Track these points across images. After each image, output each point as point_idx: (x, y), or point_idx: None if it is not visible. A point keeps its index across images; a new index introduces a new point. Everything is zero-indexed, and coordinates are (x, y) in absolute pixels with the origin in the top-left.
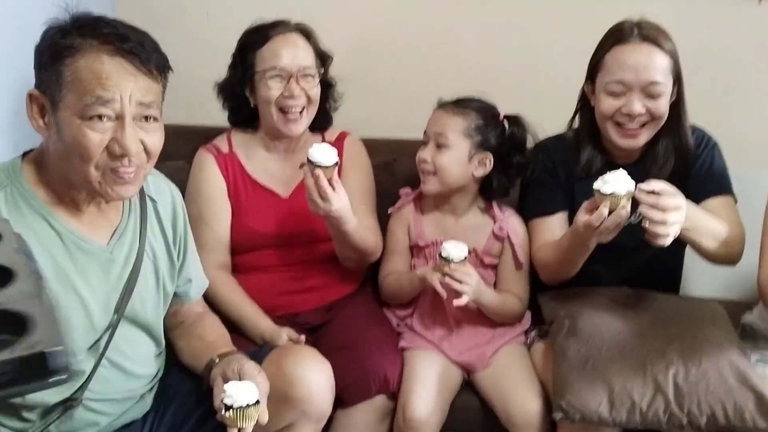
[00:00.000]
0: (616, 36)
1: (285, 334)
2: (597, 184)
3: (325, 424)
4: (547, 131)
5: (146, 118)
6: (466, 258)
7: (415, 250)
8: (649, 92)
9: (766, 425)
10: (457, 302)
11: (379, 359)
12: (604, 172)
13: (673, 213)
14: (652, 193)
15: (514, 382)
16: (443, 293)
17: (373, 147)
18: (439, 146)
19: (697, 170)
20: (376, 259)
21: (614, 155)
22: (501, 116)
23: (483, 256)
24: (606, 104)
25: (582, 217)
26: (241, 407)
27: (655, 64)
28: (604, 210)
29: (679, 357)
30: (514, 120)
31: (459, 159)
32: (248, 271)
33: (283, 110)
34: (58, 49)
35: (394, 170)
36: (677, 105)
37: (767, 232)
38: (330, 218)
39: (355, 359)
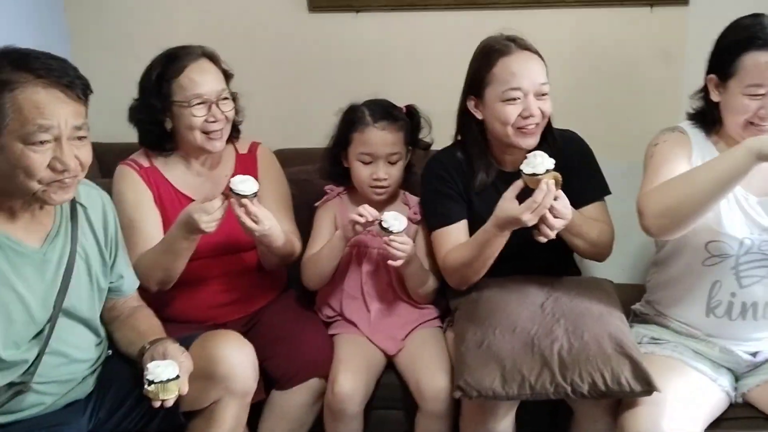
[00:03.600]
0: (498, 50)
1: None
2: (528, 168)
3: (262, 404)
4: None
5: (79, 137)
6: (405, 229)
7: None
8: (540, 93)
9: (641, 388)
10: (391, 263)
11: (310, 345)
12: (499, 183)
13: (559, 220)
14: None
15: (426, 361)
16: (359, 219)
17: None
18: (392, 162)
19: (576, 176)
20: (296, 258)
21: (503, 164)
22: (404, 110)
23: None
24: (506, 111)
25: (513, 204)
26: (161, 381)
27: (538, 69)
28: (544, 186)
29: (564, 333)
30: (413, 109)
31: (404, 163)
32: (177, 285)
33: (205, 132)
34: None
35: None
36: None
37: (646, 166)
38: (262, 237)
39: (288, 347)
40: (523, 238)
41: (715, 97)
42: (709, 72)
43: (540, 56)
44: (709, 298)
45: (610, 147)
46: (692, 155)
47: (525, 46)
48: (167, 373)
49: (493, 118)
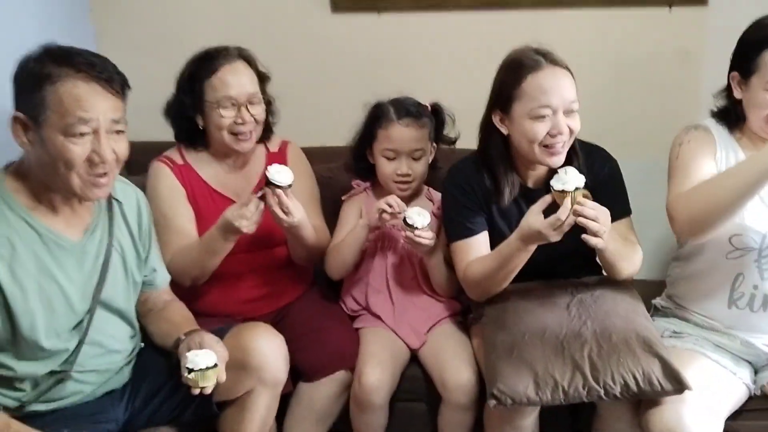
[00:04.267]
0: (527, 66)
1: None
2: (557, 185)
3: (288, 398)
4: None
5: (116, 131)
6: (429, 224)
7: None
8: (569, 111)
9: (672, 387)
10: (419, 252)
11: (337, 338)
12: (521, 199)
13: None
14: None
15: (450, 354)
16: (386, 208)
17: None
18: (415, 158)
19: (603, 194)
20: (324, 253)
21: (526, 180)
22: (429, 108)
23: None
24: (534, 128)
25: (539, 218)
26: (201, 369)
27: (568, 85)
28: (568, 203)
29: (592, 335)
30: (438, 107)
31: (428, 159)
32: (209, 279)
33: (234, 133)
34: (39, 76)
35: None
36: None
37: (673, 167)
38: (292, 228)
39: (316, 340)
40: (546, 251)
41: (738, 94)
42: (731, 69)
43: (569, 71)
44: (731, 291)
45: (628, 146)
46: (717, 152)
47: (555, 62)
48: (206, 361)
49: (520, 134)
